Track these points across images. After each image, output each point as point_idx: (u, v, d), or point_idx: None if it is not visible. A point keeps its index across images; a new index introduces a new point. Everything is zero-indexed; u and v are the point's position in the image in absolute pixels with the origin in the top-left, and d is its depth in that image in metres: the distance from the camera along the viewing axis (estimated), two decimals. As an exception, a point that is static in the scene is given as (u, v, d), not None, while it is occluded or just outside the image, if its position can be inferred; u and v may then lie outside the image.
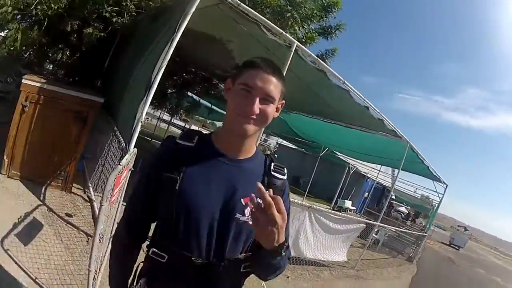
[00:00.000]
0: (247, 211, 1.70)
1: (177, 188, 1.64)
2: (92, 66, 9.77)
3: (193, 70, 12.98)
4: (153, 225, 1.88)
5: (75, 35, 8.50)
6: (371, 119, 9.83)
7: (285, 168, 1.95)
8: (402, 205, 44.09)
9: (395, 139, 11.50)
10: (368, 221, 13.31)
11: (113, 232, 2.07)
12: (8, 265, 4.53)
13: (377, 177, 26.88)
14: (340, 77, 7.48)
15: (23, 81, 6.61)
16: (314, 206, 9.24)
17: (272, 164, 1.90)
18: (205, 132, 1.94)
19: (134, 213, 1.87)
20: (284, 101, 1.85)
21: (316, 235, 9.52)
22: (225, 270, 1.72)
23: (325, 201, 25.53)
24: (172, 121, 22.57)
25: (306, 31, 11.49)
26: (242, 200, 1.70)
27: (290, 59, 6.03)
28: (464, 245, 48.86)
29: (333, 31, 12.10)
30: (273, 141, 48.91)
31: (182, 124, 23.67)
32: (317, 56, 12.62)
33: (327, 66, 7.12)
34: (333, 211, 10.74)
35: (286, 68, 5.96)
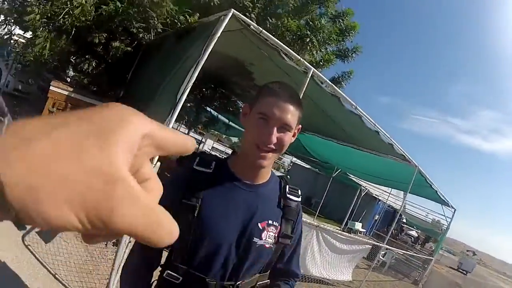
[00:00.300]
0: (264, 235, 1.75)
1: (195, 215, 1.66)
2: (116, 77, 10.14)
3: (213, 86, 13.24)
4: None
5: (101, 47, 8.85)
6: (381, 143, 10.04)
7: (299, 190, 1.99)
8: (413, 229, 43.92)
9: (404, 163, 11.61)
10: (374, 242, 13.48)
11: (124, 261, 2.01)
12: (28, 260, 4.88)
13: (387, 199, 26.80)
14: (353, 103, 7.75)
15: (50, 88, 6.98)
16: (322, 225, 9.39)
17: (287, 186, 1.93)
18: (221, 157, 1.97)
19: None
20: (300, 126, 1.83)
21: (322, 253, 9.69)
22: None
23: (336, 222, 25.47)
24: (188, 134, 22.73)
25: (324, 54, 11.75)
26: (259, 224, 1.74)
27: (306, 84, 6.31)
28: (472, 269, 49.03)
29: (350, 54, 12.35)
30: (288, 159, 48.17)
31: (198, 137, 23.81)
32: (334, 79, 13.04)
33: (341, 92, 7.35)
34: (340, 231, 10.98)
35: (303, 93, 6.22)
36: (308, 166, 32.60)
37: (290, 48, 6.64)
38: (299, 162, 34.65)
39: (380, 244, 12.77)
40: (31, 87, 13.37)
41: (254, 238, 1.72)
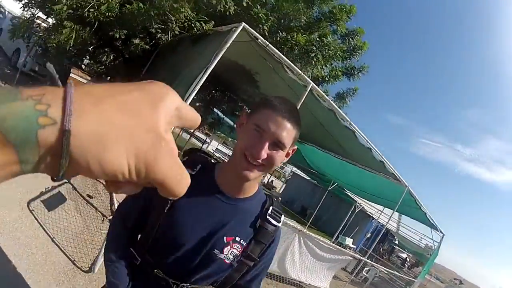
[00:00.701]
0: (227, 249, 1.70)
1: (165, 210, 1.66)
2: (131, 72, 10.65)
3: (222, 89, 13.64)
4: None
5: (120, 42, 9.37)
6: (373, 160, 10.39)
7: (283, 215, 1.90)
8: (404, 251, 43.77)
9: (395, 182, 11.87)
10: (355, 255, 13.74)
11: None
12: (31, 223, 5.40)
13: (378, 217, 26.84)
14: (347, 118, 8.16)
15: (71, 75, 7.50)
16: (304, 230, 9.57)
17: (271, 208, 1.83)
18: (211, 161, 1.91)
19: (131, 210, 1.87)
20: (296, 148, 1.76)
21: (302, 257, 9.81)
22: None
23: (327, 235, 25.22)
24: (194, 133, 22.79)
25: (331, 70, 12.18)
26: (225, 238, 1.70)
27: (304, 97, 6.73)
28: None
29: (356, 73, 12.66)
30: (289, 169, 47.14)
31: (203, 137, 24.09)
32: (339, 94, 13.40)
33: (336, 107, 7.83)
34: (321, 239, 11.27)
35: (300, 104, 6.60)
36: (307, 177, 32.76)
37: (297, 62, 7.15)
38: (299, 172, 34.63)
39: (362, 258, 12.97)
40: (46, 70, 13.82)
41: (215, 250, 1.69)
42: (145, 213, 1.79)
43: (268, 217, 1.80)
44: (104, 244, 1.94)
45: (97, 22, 8.95)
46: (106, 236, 1.96)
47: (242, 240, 1.74)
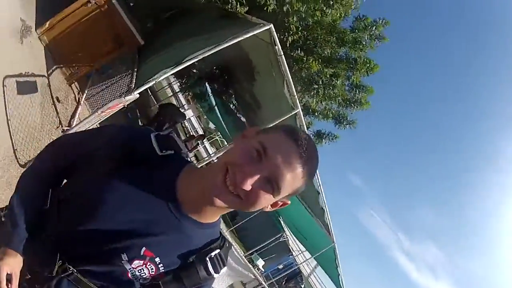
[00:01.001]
0: (137, 263, 1.34)
1: (98, 175, 1.36)
2: (155, 11, 10.97)
3: (221, 68, 13.59)
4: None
5: None
6: (316, 205, 10.67)
7: (225, 268, 1.49)
8: None
9: (326, 233, 12.11)
10: (257, 275, 13.89)
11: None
12: None
13: (297, 255, 26.98)
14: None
15: None
16: (229, 237, 9.46)
17: (217, 251, 1.44)
18: (186, 157, 1.55)
19: (75, 147, 1.56)
20: (289, 202, 1.41)
21: None
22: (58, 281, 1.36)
23: (244, 247, 25.98)
24: (177, 93, 22.82)
25: (324, 107, 12.41)
26: (143, 248, 1.33)
27: (286, 117, 7.11)
28: None
29: (344, 123, 12.74)
30: None
31: (184, 102, 24.08)
32: (319, 132, 13.57)
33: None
34: (236, 247, 11.41)
35: (279, 121, 7.00)
36: None
37: (298, 85, 7.37)
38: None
39: (262, 282, 12.97)
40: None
41: (124, 254, 1.32)
42: (87, 159, 1.44)
43: (207, 258, 1.40)
44: (28, 165, 1.64)
45: None
46: (34, 158, 1.67)
47: (161, 265, 1.36)
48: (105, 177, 1.35)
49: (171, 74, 6.92)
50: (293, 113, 7.19)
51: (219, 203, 1.24)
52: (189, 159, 1.60)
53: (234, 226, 24.60)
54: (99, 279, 1.37)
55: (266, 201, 1.25)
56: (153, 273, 1.36)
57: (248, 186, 1.16)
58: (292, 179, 1.18)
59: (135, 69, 7.76)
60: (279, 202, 1.33)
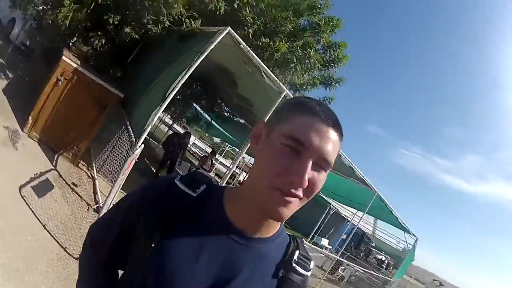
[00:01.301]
0: None
1: (152, 248, 1.17)
2: (118, 59, 10.98)
3: (202, 84, 13.90)
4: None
5: (112, 27, 9.53)
6: (343, 166, 10.80)
7: (312, 262, 1.38)
8: (381, 253, 43.89)
9: (365, 187, 12.41)
10: (326, 252, 13.94)
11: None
12: (22, 210, 5.68)
13: (352, 219, 26.88)
14: None
15: (63, 57, 7.79)
16: None
17: (297, 252, 1.33)
18: (217, 183, 1.40)
19: (103, 234, 1.42)
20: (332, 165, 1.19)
21: None
22: None
23: (303, 236, 24.54)
24: (172, 125, 23.02)
25: (310, 78, 12.60)
26: None
27: (278, 103, 7.29)
28: None
29: (333, 83, 12.96)
30: None
31: (181, 130, 24.39)
32: None
33: None
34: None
35: (273, 110, 7.18)
36: None
37: (276, 68, 7.54)
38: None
39: (331, 254, 13.10)
40: (36, 45, 14.03)
41: None
42: (124, 242, 1.30)
43: (294, 264, 1.29)
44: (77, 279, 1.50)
45: (93, 4, 9.12)
46: (78, 266, 1.52)
47: None
48: (153, 251, 1.16)
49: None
50: (281, 96, 7.38)
51: (287, 214, 1.10)
52: (219, 183, 1.43)
53: (283, 222, 24.20)
54: None
55: (322, 182, 1.14)
56: None
57: (306, 182, 1.05)
58: (333, 147, 1.10)
59: (127, 122, 7.87)
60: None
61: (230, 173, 9.89)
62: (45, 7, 10.19)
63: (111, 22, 9.32)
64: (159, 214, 1.20)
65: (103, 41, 10.05)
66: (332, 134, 1.10)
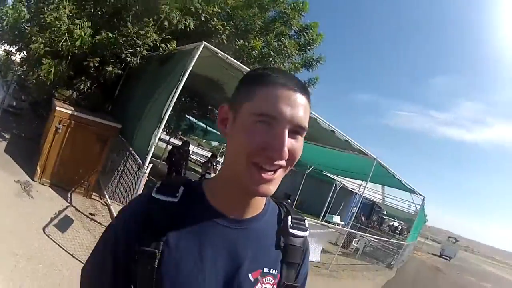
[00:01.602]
0: None
1: (155, 265, 1.13)
2: (106, 94, 11.42)
3: (192, 96, 14.40)
4: None
5: (93, 69, 9.99)
6: (339, 141, 11.29)
7: (306, 221, 1.45)
8: (394, 220, 44.25)
9: (364, 156, 12.77)
10: (338, 227, 14.20)
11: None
12: (50, 247, 6.14)
13: (358, 190, 26.54)
14: None
15: (57, 108, 8.26)
16: None
17: (289, 217, 1.38)
18: (193, 181, 1.35)
19: (98, 273, 1.27)
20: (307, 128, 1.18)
21: None
22: None
23: (314, 217, 24.20)
24: (169, 140, 23.23)
25: (291, 65, 12.93)
26: (250, 275, 1.22)
27: None
28: (454, 255, 48.50)
29: (314, 64, 13.27)
30: None
31: (179, 143, 24.53)
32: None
33: None
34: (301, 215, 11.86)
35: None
36: None
37: (255, 66, 7.92)
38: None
39: (343, 228, 13.35)
40: (23, 103, 14.45)
41: None
42: (122, 274, 1.21)
43: (291, 230, 1.35)
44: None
45: (70, 54, 9.60)
46: None
47: (272, 270, 1.27)
48: (157, 269, 1.13)
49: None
50: None
51: (272, 189, 1.11)
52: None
53: (293, 206, 24.31)
54: None
55: (301, 147, 1.13)
56: (273, 281, 1.26)
57: (286, 153, 1.05)
58: (304, 110, 1.10)
59: (130, 149, 8.36)
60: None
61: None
62: (23, 70, 10.65)
63: (91, 65, 9.79)
64: (149, 235, 1.15)
65: (88, 83, 10.44)
66: (300, 98, 1.10)
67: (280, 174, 1.12)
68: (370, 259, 20.01)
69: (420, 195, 19.99)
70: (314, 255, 12.20)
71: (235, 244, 1.21)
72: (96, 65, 9.91)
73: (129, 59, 9.75)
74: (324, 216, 25.82)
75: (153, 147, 7.37)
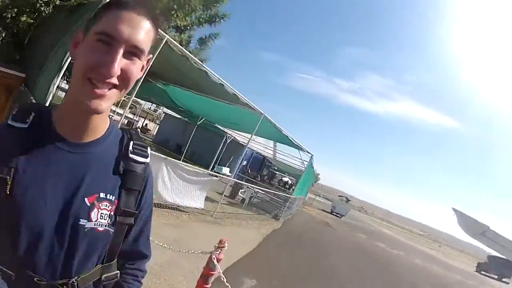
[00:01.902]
0: (94, 214, 1.25)
1: (8, 191, 1.13)
2: (18, 44, 11.42)
3: None
4: None
5: (10, 20, 10.15)
6: (227, 94, 11.95)
7: (148, 148, 1.47)
8: (285, 175, 45.55)
9: (252, 111, 13.51)
10: (219, 175, 14.81)
11: None
12: None
13: (248, 144, 27.91)
14: (199, 61, 9.72)
15: None
16: (169, 158, 11.02)
17: (131, 143, 1.40)
18: (44, 107, 1.34)
19: None
20: (151, 56, 1.32)
21: (172, 181, 10.92)
22: None
23: (204, 167, 24.52)
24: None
25: (194, 19, 13.57)
26: (86, 199, 1.24)
27: (160, 48, 8.13)
28: (346, 213, 51.18)
29: (217, 20, 14.03)
30: (161, 110, 48.62)
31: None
32: (201, 39, 14.78)
33: (189, 53, 9.41)
34: (184, 163, 12.67)
35: (157, 54, 7.92)
36: (179, 116, 33.66)
37: (161, 17, 8.26)
38: (170, 112, 35.96)
39: (229, 178, 13.94)
40: None
41: (81, 220, 1.23)
42: None
43: (131, 155, 1.38)
44: None
45: None
46: None
47: (109, 195, 1.30)
48: (9, 193, 1.14)
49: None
50: (163, 42, 8.30)
51: (103, 106, 1.15)
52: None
53: (183, 155, 25.23)
54: (91, 259, 1.30)
55: (137, 70, 1.19)
56: (111, 207, 1.30)
57: (116, 71, 1.10)
58: (146, 34, 1.16)
59: (31, 98, 8.48)
60: (143, 64, 1.27)
61: (127, 121, 10.47)
62: None
63: (9, 16, 9.95)
64: (3, 158, 1.15)
65: (4, 34, 10.57)
66: (143, 22, 1.15)
67: (113, 93, 1.16)
68: (257, 210, 21.11)
69: (309, 152, 21.07)
70: (199, 202, 12.75)
71: (75, 168, 1.24)
72: (14, 15, 10.03)
73: (42, 8, 9.94)
74: (213, 167, 26.04)
75: (51, 95, 7.41)
